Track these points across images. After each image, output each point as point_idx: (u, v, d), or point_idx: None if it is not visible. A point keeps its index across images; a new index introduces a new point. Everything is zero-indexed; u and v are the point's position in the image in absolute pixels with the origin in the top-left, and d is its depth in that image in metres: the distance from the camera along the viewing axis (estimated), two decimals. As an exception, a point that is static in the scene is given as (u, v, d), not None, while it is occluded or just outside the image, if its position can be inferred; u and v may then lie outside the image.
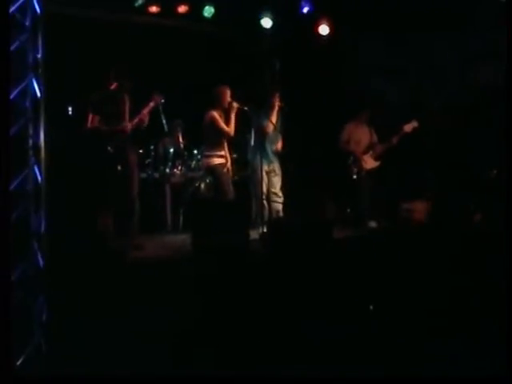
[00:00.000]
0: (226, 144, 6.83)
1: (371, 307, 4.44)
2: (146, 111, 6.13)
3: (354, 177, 7.73)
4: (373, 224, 7.46)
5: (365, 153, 7.76)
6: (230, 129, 6.62)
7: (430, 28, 7.35)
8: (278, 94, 7.07)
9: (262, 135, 6.94)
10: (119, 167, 5.98)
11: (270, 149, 7.07)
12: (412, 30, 7.44)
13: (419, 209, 7.24)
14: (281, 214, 7.10)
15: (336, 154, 7.82)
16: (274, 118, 6.97)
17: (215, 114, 6.62)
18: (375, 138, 7.83)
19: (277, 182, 7.20)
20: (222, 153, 6.78)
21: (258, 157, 6.84)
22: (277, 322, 4.18)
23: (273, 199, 7.09)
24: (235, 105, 6.59)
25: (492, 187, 6.73)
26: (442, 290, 4.62)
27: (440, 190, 7.32)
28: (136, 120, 6.08)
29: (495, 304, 3.82)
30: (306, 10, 7.89)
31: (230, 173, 6.95)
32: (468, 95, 7.36)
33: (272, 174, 7.14)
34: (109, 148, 5.93)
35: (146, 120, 6.14)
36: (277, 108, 6.98)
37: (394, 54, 7.85)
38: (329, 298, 4.59)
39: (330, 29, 8.11)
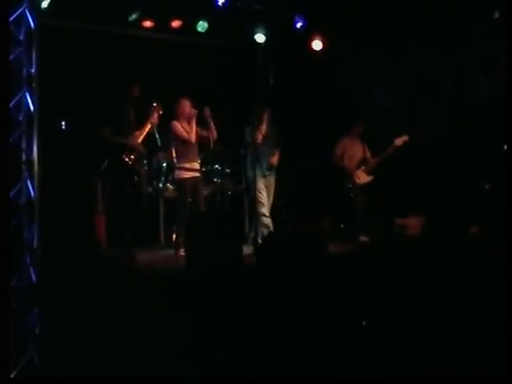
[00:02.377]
0: (197, 156, 6.75)
1: (364, 322, 4.43)
2: (147, 126, 6.25)
3: (347, 192, 7.73)
4: (364, 239, 7.46)
5: (358, 168, 7.77)
6: (191, 135, 6.56)
7: (424, 40, 7.38)
8: (267, 108, 7.09)
9: (254, 149, 6.90)
10: (136, 178, 6.06)
11: (264, 163, 7.06)
12: (406, 42, 7.48)
13: (413, 224, 7.24)
14: (271, 228, 7.03)
15: (330, 169, 7.83)
16: (263, 131, 6.96)
17: (175, 123, 6.58)
18: (368, 153, 7.85)
19: (270, 195, 7.17)
20: (194, 165, 6.68)
21: (253, 171, 6.82)
22: (270, 336, 4.16)
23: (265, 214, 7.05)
24: (193, 111, 6.55)
25: (488, 199, 6.74)
26: (440, 294, 4.62)
27: (435, 203, 7.31)
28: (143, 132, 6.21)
29: (495, 307, 3.82)
30: (299, 25, 7.92)
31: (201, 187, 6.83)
32: (463, 107, 7.38)
33: (267, 189, 7.13)
34: (126, 159, 6.01)
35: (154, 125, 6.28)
36: (266, 122, 6.99)
37: (389, 66, 7.88)
38: (323, 312, 4.58)
39: (324, 44, 8.15)
